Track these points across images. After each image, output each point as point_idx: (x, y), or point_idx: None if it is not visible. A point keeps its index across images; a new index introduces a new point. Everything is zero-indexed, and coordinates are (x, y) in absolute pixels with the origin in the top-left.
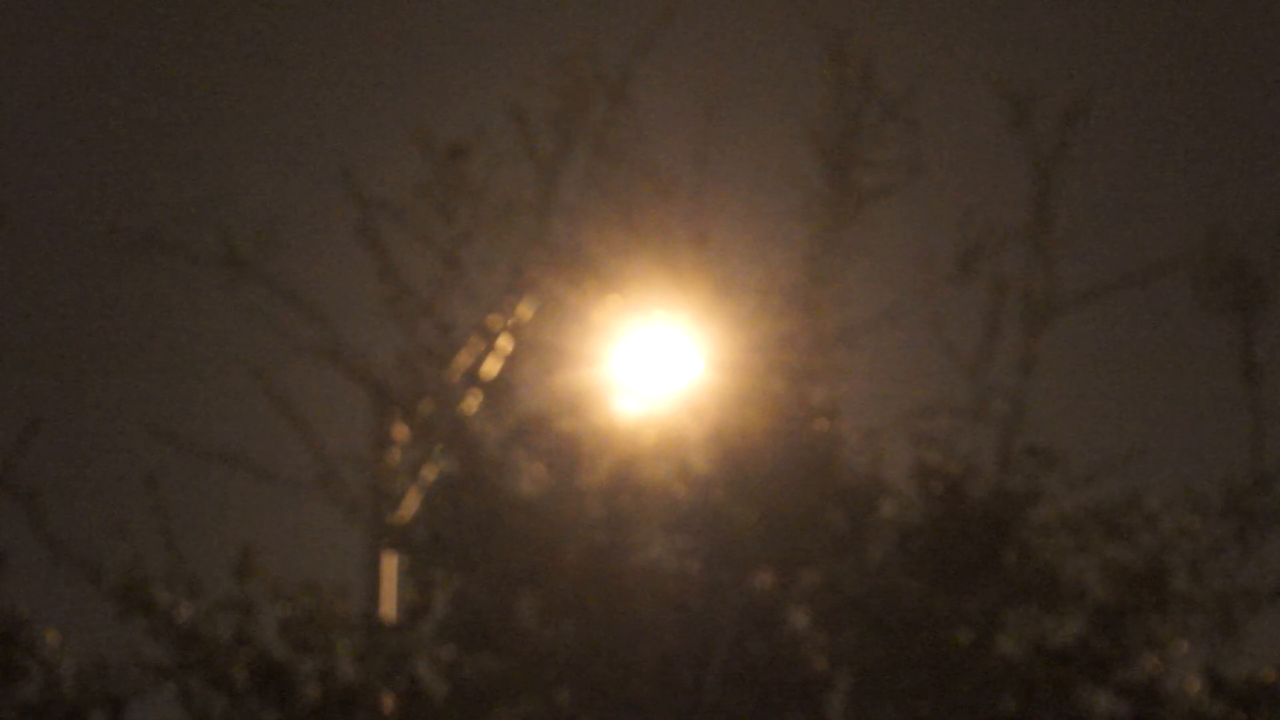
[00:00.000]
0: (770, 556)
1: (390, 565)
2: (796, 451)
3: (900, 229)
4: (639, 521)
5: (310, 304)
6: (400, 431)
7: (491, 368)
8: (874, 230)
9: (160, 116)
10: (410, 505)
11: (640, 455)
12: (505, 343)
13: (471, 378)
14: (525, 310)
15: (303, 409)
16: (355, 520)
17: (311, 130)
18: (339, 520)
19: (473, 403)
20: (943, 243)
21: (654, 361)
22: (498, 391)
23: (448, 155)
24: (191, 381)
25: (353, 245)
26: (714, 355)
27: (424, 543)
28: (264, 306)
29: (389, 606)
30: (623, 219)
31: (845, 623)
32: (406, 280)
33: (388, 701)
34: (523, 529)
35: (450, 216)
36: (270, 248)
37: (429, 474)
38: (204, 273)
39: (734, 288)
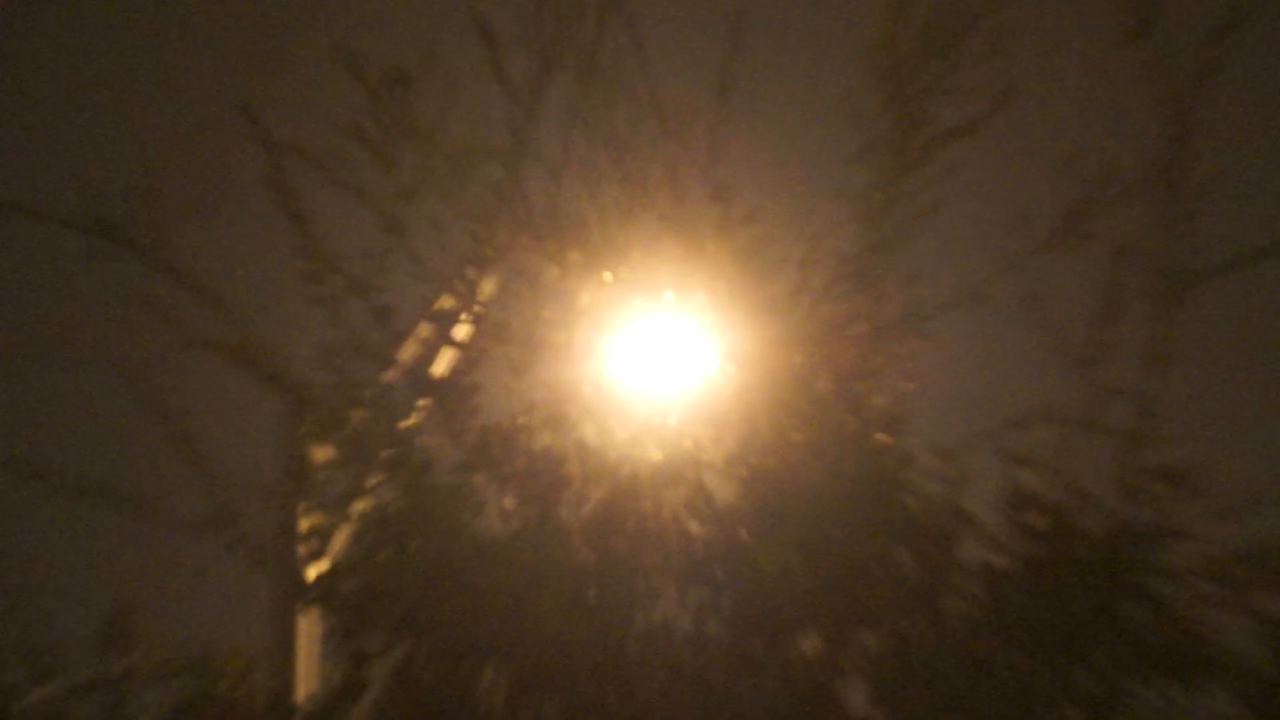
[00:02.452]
0: (815, 614)
1: (309, 630)
2: (849, 475)
3: (985, 180)
4: (641, 569)
5: (202, 283)
6: (322, 451)
7: (445, 365)
8: (951, 182)
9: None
10: (336, 549)
11: (642, 481)
12: (463, 332)
13: (418, 379)
14: (489, 290)
15: (192, 422)
16: (261, 571)
17: (203, 55)
18: (240, 571)
19: (420, 412)
20: (1042, 197)
21: (660, 358)
22: (453, 397)
23: (386, 84)
24: (38, 387)
25: (260, 206)
26: (738, 349)
27: (355, 599)
28: (141, 288)
29: (308, 685)
30: (619, 169)
31: (915, 700)
32: (331, 250)
33: None
34: (487, 580)
35: (389, 166)
36: (150, 211)
37: (361, 507)
38: (64, 244)
39: (765, 259)
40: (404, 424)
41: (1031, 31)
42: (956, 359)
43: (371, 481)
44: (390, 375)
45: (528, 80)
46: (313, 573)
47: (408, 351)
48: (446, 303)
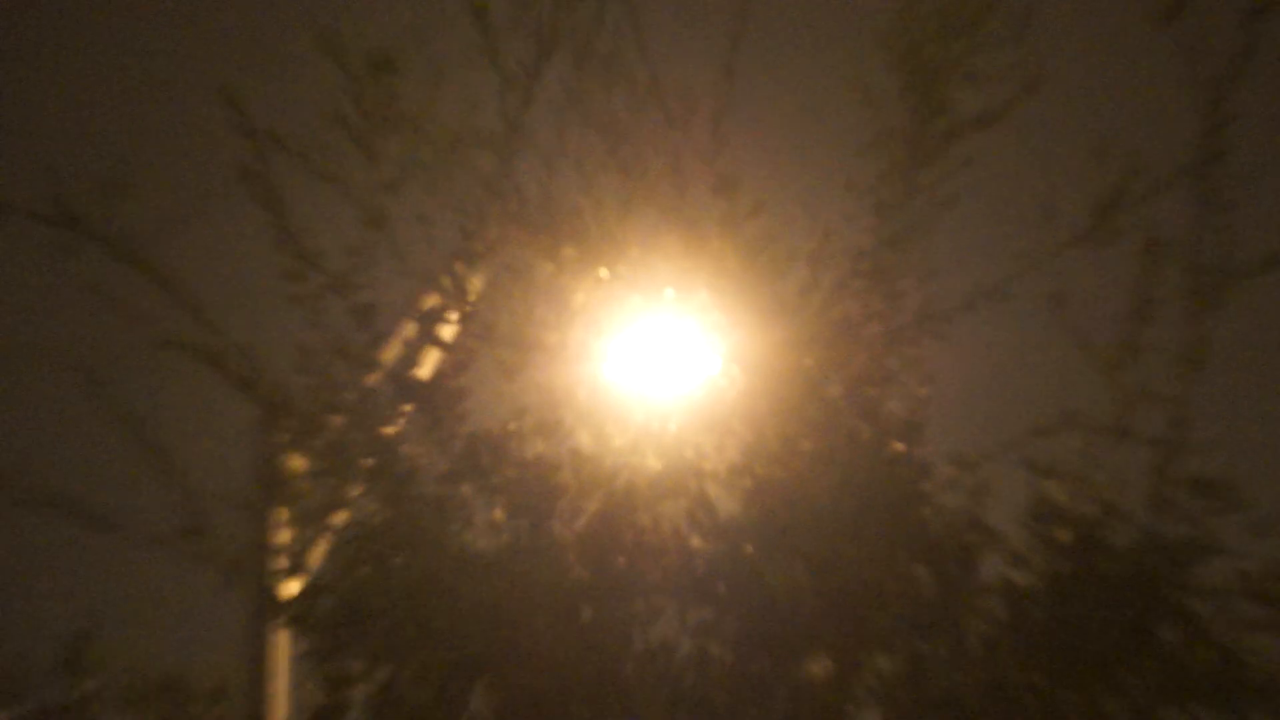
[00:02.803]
0: (825, 635)
1: (285, 650)
2: (861, 486)
3: (1007, 171)
4: (639, 586)
5: (174, 281)
6: (299, 460)
7: (431, 368)
8: (971, 173)
9: None
10: (314, 565)
11: (640, 492)
12: (450, 333)
13: (402, 382)
14: (479, 287)
15: (161, 429)
16: (235, 588)
17: (180, 40)
18: (212, 588)
19: (404, 418)
20: (1068, 190)
21: (660, 360)
22: (439, 402)
23: (370, 70)
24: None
25: (237, 199)
26: (743, 351)
27: (334, 619)
28: (109, 285)
29: (284, 709)
30: (617, 158)
31: None
32: (311, 246)
33: None
34: (475, 598)
35: (373, 156)
36: (120, 204)
37: (340, 520)
38: (27, 237)
39: (772, 256)
40: (386, 431)
41: (1057, 13)
42: (976, 362)
43: (352, 492)
44: (372, 379)
45: (524, 65)
46: (289, 590)
47: (391, 353)
48: (433, 301)
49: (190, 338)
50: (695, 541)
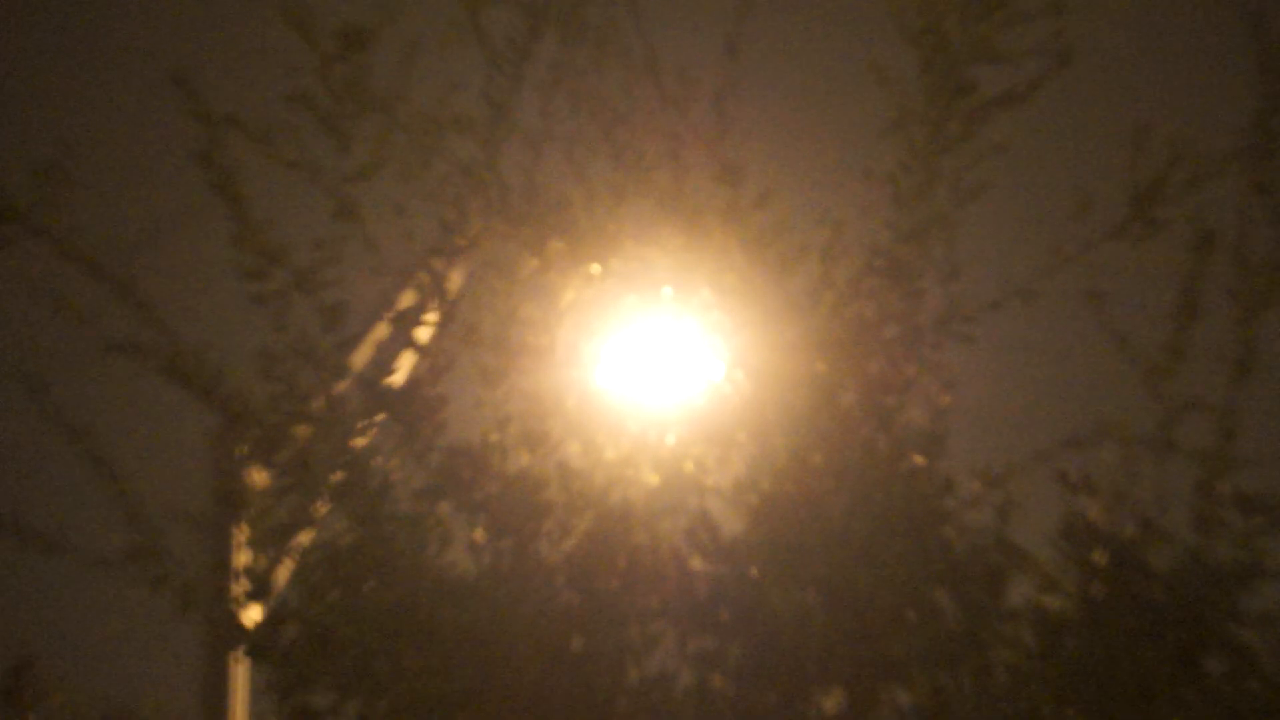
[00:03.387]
0: (838, 667)
1: (245, 683)
2: (878, 503)
3: (1039, 157)
4: (634, 613)
5: (123, 278)
6: (261, 475)
7: (406, 374)
8: (998, 160)
9: None
10: (277, 590)
11: (635, 510)
12: (427, 335)
13: (374, 390)
14: (458, 285)
15: (109, 441)
16: (190, 614)
17: (129, 13)
18: (165, 614)
19: (375, 429)
20: (1106, 178)
21: (657, 365)
22: (415, 411)
23: (341, 45)
24: None
25: (193, 188)
26: (748, 355)
27: (299, 649)
28: (50, 282)
29: None
30: (610, 143)
31: None
32: (275, 240)
33: None
34: (455, 625)
35: (343, 141)
36: (62, 193)
37: (306, 541)
38: None
39: (780, 250)
40: (357, 443)
41: None
42: (1004, 367)
43: (319, 510)
44: (341, 385)
45: (512, 42)
46: (249, 617)
47: (362, 357)
48: (408, 300)
49: (140, 340)
50: (696, 563)
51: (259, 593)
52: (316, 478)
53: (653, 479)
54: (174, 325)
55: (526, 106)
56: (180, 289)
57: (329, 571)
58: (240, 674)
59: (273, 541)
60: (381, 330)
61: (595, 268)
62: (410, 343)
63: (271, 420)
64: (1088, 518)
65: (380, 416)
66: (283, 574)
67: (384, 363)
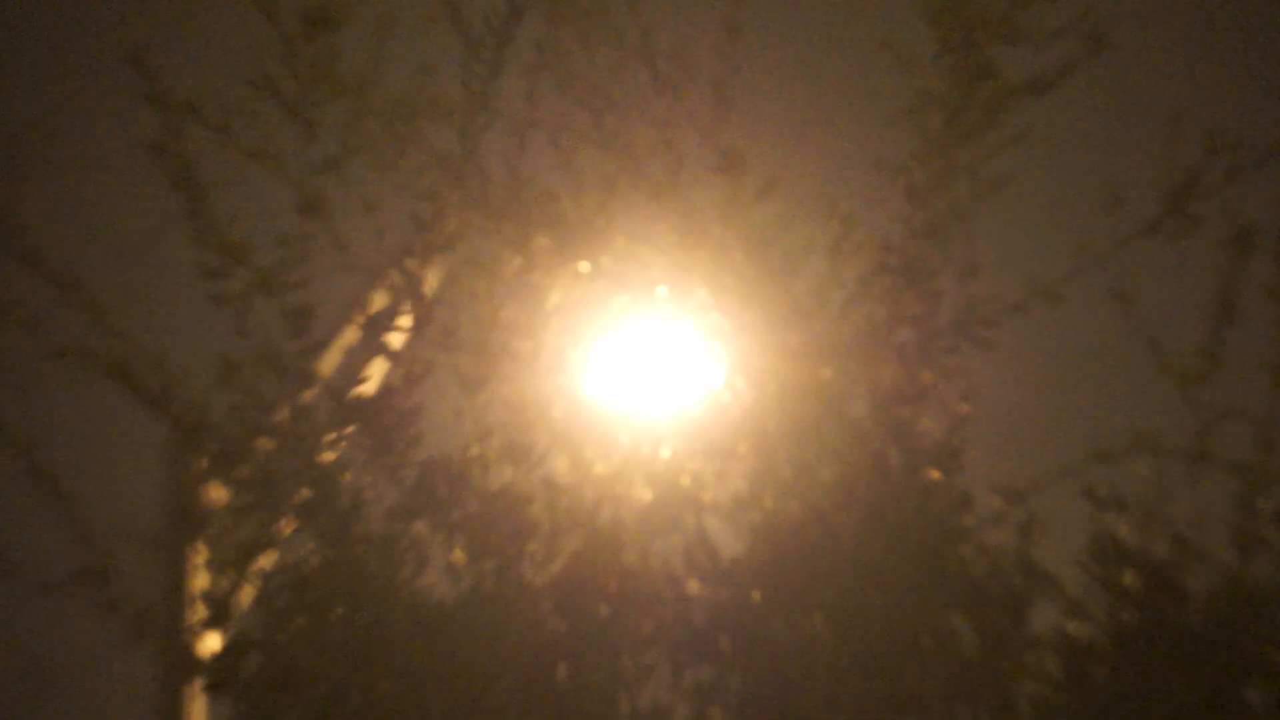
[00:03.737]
0: (847, 699)
1: (204, 716)
2: (890, 522)
3: (1065, 148)
4: (626, 641)
5: (72, 277)
6: (220, 492)
7: (378, 382)
8: (1022, 150)
9: None
10: (238, 617)
11: (627, 529)
12: (401, 340)
13: (344, 399)
14: (435, 285)
15: (57, 454)
16: (142, 643)
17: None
18: (117, 642)
19: (345, 442)
20: (1138, 170)
21: (651, 371)
22: (388, 422)
23: (307, 25)
24: None
25: (147, 180)
26: (749, 361)
27: (262, 681)
28: None
29: None
30: (600, 130)
31: None
32: (237, 236)
33: None
34: (432, 655)
35: (310, 129)
36: (5, 185)
37: (270, 563)
38: None
39: (784, 247)
40: (325, 457)
41: None
42: (1027, 375)
43: (283, 530)
44: (308, 395)
45: (491, 25)
46: (208, 646)
47: (330, 364)
48: (380, 302)
49: (89, 344)
50: (692, 587)
51: (218, 620)
52: (280, 495)
53: (646, 495)
54: (126, 328)
55: (508, 91)
56: (133, 289)
57: (294, 597)
58: (198, 708)
59: (233, 564)
60: (351, 335)
61: (584, 266)
62: (382, 348)
63: (232, 432)
64: (1117, 537)
65: (350, 429)
66: (243, 599)
67: (354, 370)
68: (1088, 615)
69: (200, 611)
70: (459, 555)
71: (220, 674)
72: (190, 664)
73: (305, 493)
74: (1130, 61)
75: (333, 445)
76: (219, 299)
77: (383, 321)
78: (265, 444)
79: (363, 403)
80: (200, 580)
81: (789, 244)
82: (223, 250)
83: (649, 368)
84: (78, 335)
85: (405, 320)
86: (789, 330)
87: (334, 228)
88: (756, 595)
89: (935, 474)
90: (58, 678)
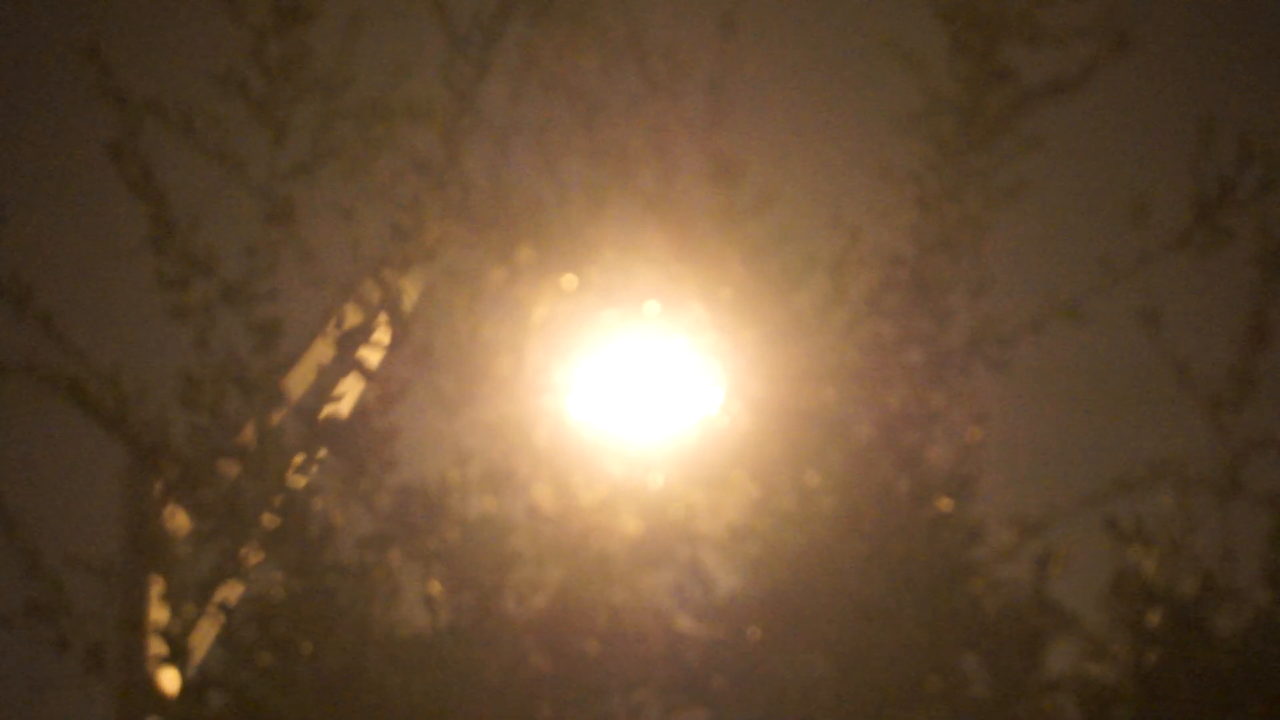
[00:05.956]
0: None
1: None
2: (898, 555)
3: (1086, 156)
4: (614, 681)
5: (21, 289)
6: (181, 518)
7: (351, 402)
8: (1040, 158)
9: None
10: (200, 652)
11: (616, 561)
12: (376, 357)
13: (314, 420)
14: (412, 299)
15: (4, 478)
16: (97, 680)
17: None
18: (71, 677)
19: (316, 466)
20: (1165, 180)
21: (641, 393)
22: (361, 445)
23: (276, 18)
24: None
25: (104, 183)
26: (747, 382)
27: (228, 718)
28: None
29: None
30: (589, 135)
31: None
32: (200, 245)
33: None
34: (406, 693)
35: (278, 130)
36: None
37: (234, 595)
38: None
39: (784, 261)
40: (294, 482)
41: None
42: (1045, 398)
43: (249, 559)
44: (276, 415)
45: (477, 18)
46: (168, 683)
47: (301, 382)
48: (354, 317)
49: (40, 360)
50: (685, 624)
51: (177, 656)
52: (245, 522)
53: (636, 526)
54: (78, 342)
55: (492, 93)
56: (86, 300)
57: (259, 631)
58: None
59: (194, 596)
60: (323, 351)
61: (570, 279)
62: (356, 366)
63: (193, 454)
64: (1141, 572)
65: (321, 451)
66: (206, 634)
67: (326, 389)
68: (1109, 656)
69: (159, 646)
70: (436, 587)
71: (180, 714)
72: (148, 703)
73: (272, 519)
74: (1158, 62)
75: (302, 469)
76: (179, 311)
77: (357, 337)
78: (229, 467)
79: (335, 424)
80: (159, 613)
81: (789, 257)
82: (183, 258)
83: (640, 388)
84: (26, 350)
85: (381, 336)
86: (790, 349)
87: (305, 236)
88: (754, 633)
89: (946, 504)
90: (4, 714)
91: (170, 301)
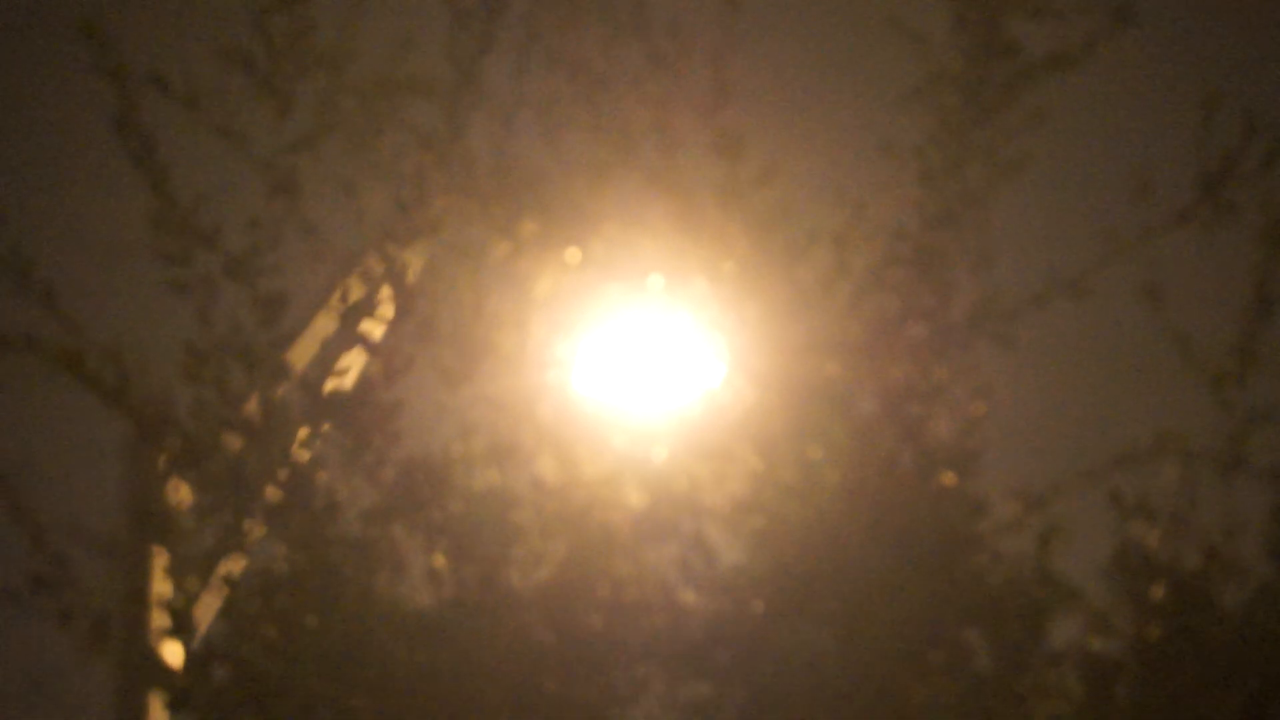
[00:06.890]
0: (854, 716)
1: None
2: (901, 529)
3: (1090, 130)
4: (618, 654)
5: (24, 263)
6: (184, 492)
7: (355, 375)
8: (1043, 132)
9: None
10: (203, 626)
11: (620, 534)
12: (379, 331)
13: (317, 394)
14: (416, 274)
15: (7, 452)
16: (100, 654)
17: None
18: (74, 652)
19: (319, 439)
20: (1169, 155)
21: (645, 367)
22: (365, 418)
23: None
24: None
25: (107, 158)
26: (750, 356)
27: (229, 694)
28: None
29: None
30: (591, 110)
31: None
32: (203, 220)
33: None
34: (410, 667)
35: (282, 104)
36: None
37: (237, 568)
38: None
39: (787, 235)
40: (298, 455)
41: None
42: (1048, 372)
43: (252, 533)
44: (280, 389)
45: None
46: (171, 657)
47: (304, 356)
48: (358, 290)
49: (40, 334)
50: (689, 597)
51: (181, 629)
52: (249, 495)
53: (640, 499)
54: (81, 317)
55: (495, 68)
56: (89, 274)
57: (264, 604)
58: None
59: (197, 569)
60: (327, 325)
61: (573, 254)
62: (360, 340)
63: (197, 428)
64: (1144, 546)
65: (325, 425)
66: (209, 608)
67: (329, 363)
68: (1112, 630)
69: (161, 620)
70: (440, 560)
71: (184, 688)
72: (152, 676)
73: (276, 493)
74: (1160, 37)
75: (306, 442)
76: (182, 285)
77: (361, 311)
78: (233, 440)
79: (339, 397)
80: (162, 586)
81: (792, 231)
82: (187, 233)
83: (643, 362)
84: (28, 324)
85: (385, 310)
86: (793, 323)
87: (308, 211)
88: (757, 606)
89: (949, 477)
90: (9, 690)
91: (173, 275)
